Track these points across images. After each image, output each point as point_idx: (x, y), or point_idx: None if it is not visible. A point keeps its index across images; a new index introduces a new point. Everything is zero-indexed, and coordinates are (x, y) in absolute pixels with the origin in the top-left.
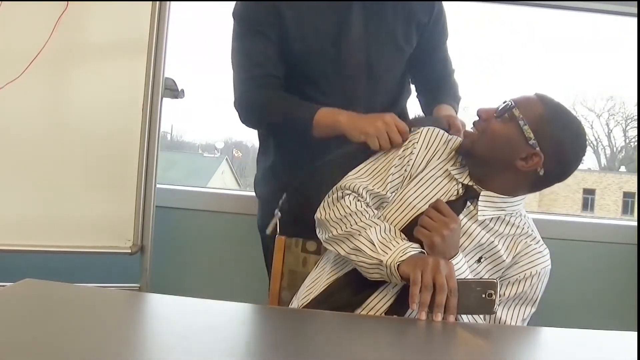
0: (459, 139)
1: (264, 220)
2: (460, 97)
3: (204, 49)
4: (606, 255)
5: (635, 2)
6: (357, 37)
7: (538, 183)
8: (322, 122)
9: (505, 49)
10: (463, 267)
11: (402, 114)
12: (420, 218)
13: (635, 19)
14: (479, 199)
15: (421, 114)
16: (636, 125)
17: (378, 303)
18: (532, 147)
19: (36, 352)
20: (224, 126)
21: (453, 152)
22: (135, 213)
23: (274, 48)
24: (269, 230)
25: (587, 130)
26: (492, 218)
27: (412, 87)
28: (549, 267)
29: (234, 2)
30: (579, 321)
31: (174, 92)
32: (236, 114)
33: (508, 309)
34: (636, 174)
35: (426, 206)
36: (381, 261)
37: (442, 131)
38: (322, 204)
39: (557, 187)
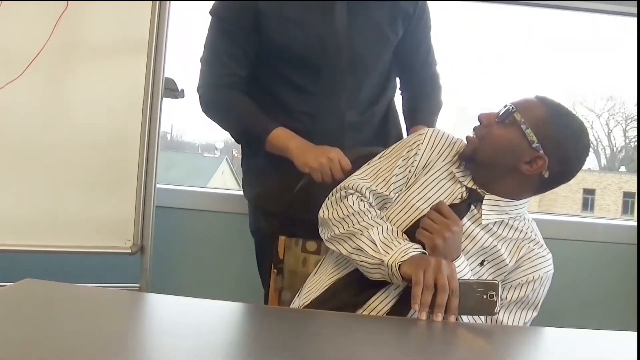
0: (464, 142)
1: (255, 222)
2: (442, 103)
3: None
4: (606, 255)
5: (635, 2)
6: (341, 28)
7: (543, 185)
8: (273, 142)
9: (505, 49)
10: (465, 269)
11: (389, 110)
12: (421, 220)
13: (635, 19)
14: (483, 203)
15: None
16: (636, 125)
17: (380, 304)
18: (535, 150)
19: (36, 352)
20: None
21: (458, 155)
22: (135, 213)
23: (241, 48)
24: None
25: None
26: (495, 222)
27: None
28: (552, 271)
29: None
30: (579, 321)
31: (174, 92)
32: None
33: (510, 313)
34: (636, 174)
35: (429, 208)
36: (382, 261)
37: (447, 132)
38: (325, 203)
39: (557, 187)
